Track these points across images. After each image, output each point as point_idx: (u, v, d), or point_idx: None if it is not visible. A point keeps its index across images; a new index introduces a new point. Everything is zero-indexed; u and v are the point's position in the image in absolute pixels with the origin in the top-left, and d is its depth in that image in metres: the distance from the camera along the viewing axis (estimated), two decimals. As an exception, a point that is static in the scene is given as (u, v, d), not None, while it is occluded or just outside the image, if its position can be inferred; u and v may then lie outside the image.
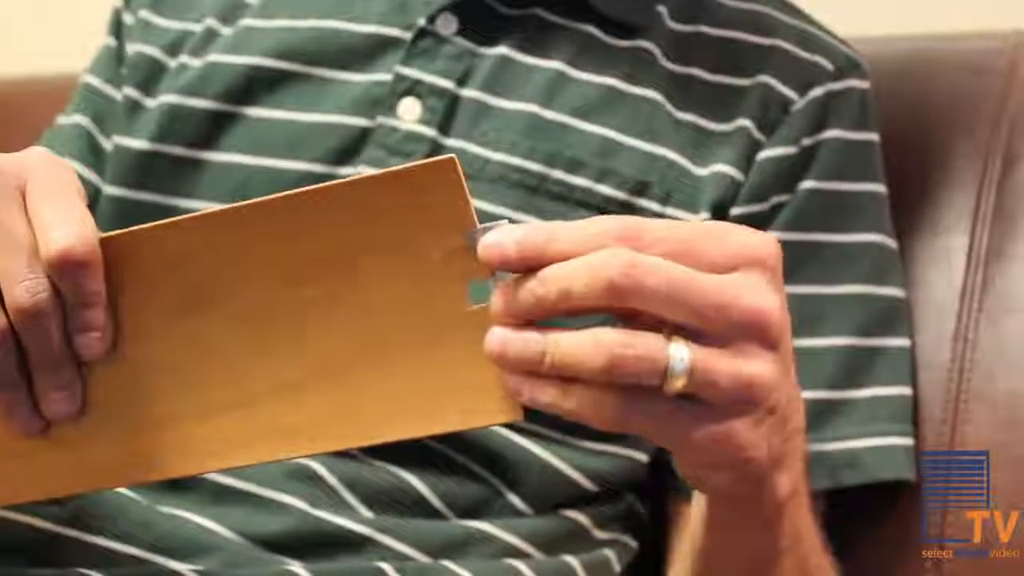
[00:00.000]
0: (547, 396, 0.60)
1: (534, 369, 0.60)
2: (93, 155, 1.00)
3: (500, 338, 0.60)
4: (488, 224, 0.61)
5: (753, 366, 0.60)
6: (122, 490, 0.87)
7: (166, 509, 0.85)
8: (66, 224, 0.64)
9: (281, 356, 0.65)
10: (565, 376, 0.60)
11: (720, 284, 0.59)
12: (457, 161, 0.61)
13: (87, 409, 0.68)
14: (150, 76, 0.99)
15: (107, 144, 1.00)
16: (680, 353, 0.59)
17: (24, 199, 0.66)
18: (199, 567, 0.82)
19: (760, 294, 0.60)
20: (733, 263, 0.60)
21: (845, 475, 0.92)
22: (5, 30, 1.63)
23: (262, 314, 0.65)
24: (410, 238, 0.62)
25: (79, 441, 0.69)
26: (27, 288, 0.64)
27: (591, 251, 0.59)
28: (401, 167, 0.62)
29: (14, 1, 1.65)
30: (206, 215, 0.65)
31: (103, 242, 0.65)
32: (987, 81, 1.06)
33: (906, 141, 1.05)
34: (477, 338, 0.61)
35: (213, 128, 0.95)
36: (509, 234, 0.60)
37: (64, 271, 0.64)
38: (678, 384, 0.59)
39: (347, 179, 0.63)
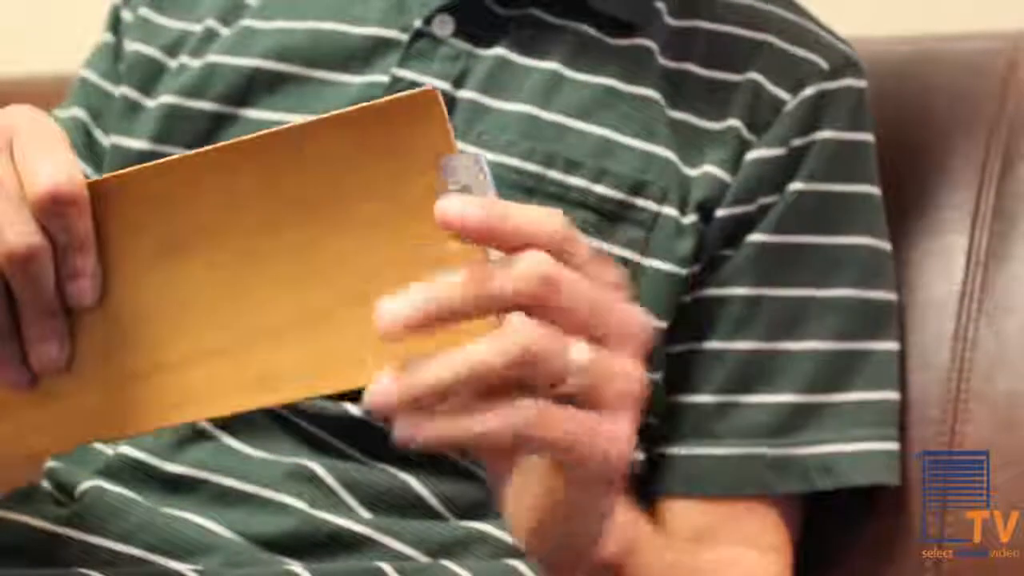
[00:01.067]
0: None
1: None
2: (88, 148, 1.00)
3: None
4: (462, 155, 0.60)
5: (639, 369, 0.62)
6: (123, 491, 0.87)
7: (166, 510, 0.85)
8: (52, 165, 0.64)
9: (260, 302, 0.64)
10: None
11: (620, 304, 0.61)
12: (438, 93, 0.60)
13: (71, 362, 0.67)
14: (149, 76, 0.99)
15: (103, 138, 1.00)
16: (581, 352, 0.59)
17: (11, 151, 0.65)
18: (199, 567, 0.82)
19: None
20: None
21: (818, 479, 0.92)
22: (5, 30, 1.63)
23: (241, 259, 0.64)
24: (391, 176, 0.61)
25: (63, 395, 0.68)
26: (17, 232, 0.63)
27: (535, 244, 0.59)
28: (380, 100, 0.61)
29: (14, 1, 1.65)
30: (186, 156, 0.65)
31: (88, 187, 0.65)
32: (987, 81, 1.05)
33: (906, 141, 1.05)
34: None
35: (212, 129, 0.95)
36: (472, 206, 0.59)
37: (53, 210, 0.64)
38: (576, 381, 0.59)
39: (326, 115, 0.62)
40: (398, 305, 0.58)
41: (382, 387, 0.59)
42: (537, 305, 0.58)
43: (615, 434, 0.62)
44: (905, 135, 1.05)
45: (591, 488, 0.64)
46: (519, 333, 0.58)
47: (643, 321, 0.62)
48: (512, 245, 0.59)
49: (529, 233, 0.59)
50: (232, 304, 0.65)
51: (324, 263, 0.63)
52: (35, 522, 0.86)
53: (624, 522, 0.71)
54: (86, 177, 0.98)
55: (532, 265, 0.58)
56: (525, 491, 0.65)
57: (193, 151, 0.65)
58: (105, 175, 0.66)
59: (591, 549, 0.67)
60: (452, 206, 0.58)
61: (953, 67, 1.08)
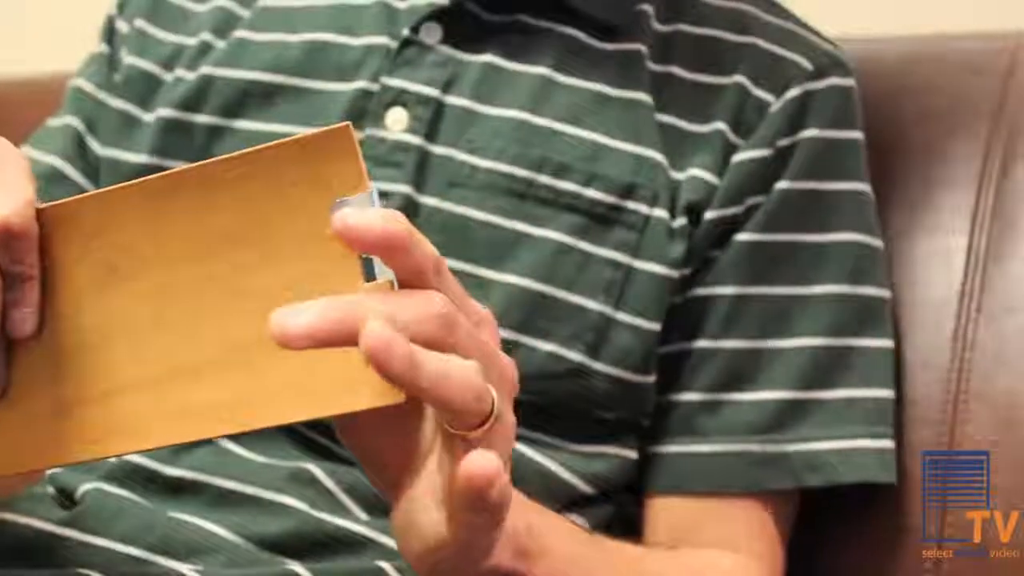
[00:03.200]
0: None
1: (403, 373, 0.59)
2: (82, 157, 1.00)
3: (382, 336, 0.58)
4: (361, 195, 0.60)
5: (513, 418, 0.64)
6: (123, 492, 0.87)
7: (167, 512, 0.85)
8: (4, 198, 0.64)
9: (182, 336, 0.65)
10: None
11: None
12: (351, 128, 0.61)
13: (4, 391, 0.68)
14: (146, 90, 0.99)
15: (98, 148, 1.00)
16: (494, 394, 0.61)
17: None
18: (199, 567, 0.82)
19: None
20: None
21: (806, 477, 0.92)
22: (5, 30, 1.63)
23: (165, 291, 0.65)
24: (312, 211, 0.62)
25: None
26: None
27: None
28: (299, 135, 0.62)
29: (14, 1, 1.65)
30: (121, 186, 0.65)
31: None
32: (987, 81, 1.05)
33: (905, 141, 1.05)
34: None
35: (209, 142, 0.95)
36: (376, 219, 0.59)
37: (1, 243, 0.64)
38: (491, 424, 0.61)
39: (248, 150, 0.63)
40: (300, 317, 0.58)
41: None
42: (434, 344, 0.59)
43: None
44: (905, 135, 1.05)
45: (475, 526, 0.64)
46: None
47: (515, 372, 0.64)
48: (405, 265, 0.59)
49: (423, 257, 0.60)
50: (155, 336, 0.65)
51: (248, 297, 0.63)
52: (36, 523, 0.86)
53: (524, 527, 0.70)
54: (76, 185, 0.99)
55: (434, 304, 0.60)
56: (411, 521, 0.65)
57: (123, 184, 0.66)
58: (47, 204, 0.67)
59: (481, 564, 0.66)
60: (352, 215, 0.59)
61: (953, 67, 1.08)
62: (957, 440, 0.96)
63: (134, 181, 0.65)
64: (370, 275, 0.61)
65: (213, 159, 0.63)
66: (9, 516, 0.88)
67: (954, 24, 1.15)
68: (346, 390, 0.62)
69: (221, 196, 0.63)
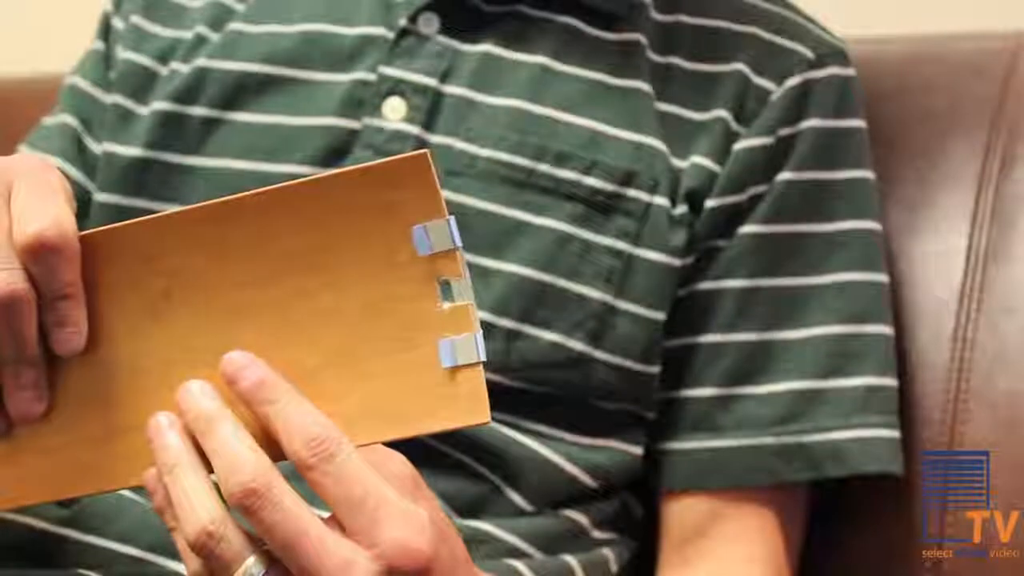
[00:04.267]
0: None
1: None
2: (80, 155, 1.00)
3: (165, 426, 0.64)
4: (438, 222, 0.60)
5: None
6: (123, 491, 0.87)
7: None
8: (41, 213, 0.64)
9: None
10: None
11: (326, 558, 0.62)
12: (430, 156, 0.60)
13: (50, 412, 0.67)
14: (141, 85, 0.99)
15: (94, 145, 1.00)
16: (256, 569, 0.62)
17: (9, 197, 0.66)
18: (199, 567, 0.82)
19: None
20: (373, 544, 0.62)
21: (827, 467, 0.92)
22: (5, 30, 1.63)
23: (228, 317, 0.64)
24: (383, 236, 0.61)
25: (35, 448, 0.67)
26: (2, 278, 0.64)
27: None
28: (374, 162, 0.61)
29: (14, 1, 1.65)
30: (177, 213, 0.65)
31: (81, 239, 0.65)
32: (986, 82, 1.05)
33: (905, 141, 1.05)
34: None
35: (205, 134, 0.95)
36: (251, 370, 0.63)
37: (37, 256, 0.64)
38: None
39: (318, 176, 0.62)
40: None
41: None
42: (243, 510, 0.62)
43: None
44: (905, 135, 1.05)
45: None
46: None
47: None
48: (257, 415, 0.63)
49: (286, 429, 0.62)
50: (218, 363, 0.64)
51: (313, 322, 0.63)
52: (35, 522, 0.86)
53: None
54: (77, 183, 0.98)
55: (237, 476, 0.62)
56: None
57: (181, 209, 0.65)
58: (98, 228, 0.66)
59: None
60: (236, 360, 0.63)
61: (953, 67, 1.08)
62: (957, 440, 0.96)
63: (191, 207, 0.64)
64: (447, 297, 0.61)
65: (278, 186, 0.62)
66: (9, 516, 0.88)
67: (954, 24, 1.15)
68: (425, 412, 0.62)
69: (286, 221, 0.63)
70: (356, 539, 0.62)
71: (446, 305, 0.61)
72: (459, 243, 0.61)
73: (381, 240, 0.61)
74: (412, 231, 0.61)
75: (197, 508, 0.63)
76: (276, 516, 0.61)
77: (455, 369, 0.61)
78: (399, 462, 0.65)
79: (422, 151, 0.61)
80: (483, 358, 0.61)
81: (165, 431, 0.64)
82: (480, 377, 0.61)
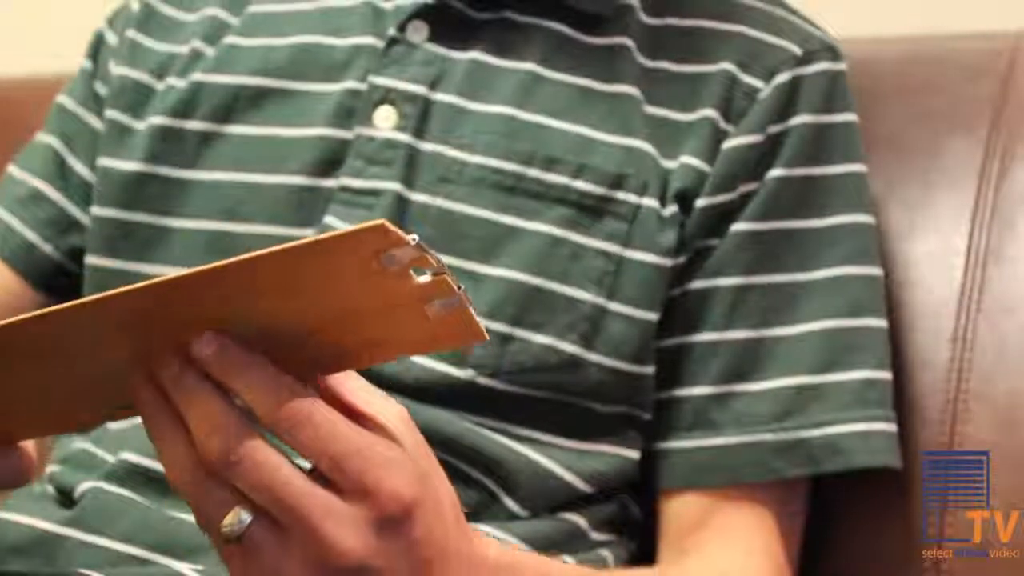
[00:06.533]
0: None
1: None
2: (61, 177, 1.02)
3: None
4: (399, 251, 0.59)
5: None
6: (123, 492, 0.87)
7: (167, 510, 0.85)
8: None
9: None
10: None
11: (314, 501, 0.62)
12: (386, 224, 0.58)
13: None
14: (137, 100, 0.99)
15: (78, 166, 1.02)
16: (241, 517, 0.63)
17: None
18: (199, 566, 0.82)
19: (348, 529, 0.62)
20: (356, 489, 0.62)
21: (826, 461, 0.92)
22: (5, 30, 1.63)
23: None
24: (350, 269, 0.60)
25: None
26: None
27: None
28: (332, 234, 0.58)
29: (14, 1, 1.65)
30: (183, 275, 0.60)
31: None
32: (986, 82, 1.05)
33: (905, 141, 1.05)
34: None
35: (202, 148, 0.96)
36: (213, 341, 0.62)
37: None
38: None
39: (279, 248, 0.59)
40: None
41: None
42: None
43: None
44: (905, 135, 1.05)
45: None
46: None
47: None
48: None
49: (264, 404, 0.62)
50: None
51: (292, 332, 0.63)
52: (36, 522, 0.86)
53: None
54: (55, 204, 1.01)
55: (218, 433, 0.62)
56: None
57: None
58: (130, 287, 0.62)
59: None
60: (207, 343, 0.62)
61: (953, 67, 1.08)
62: (957, 440, 0.96)
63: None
64: (421, 274, 0.61)
65: (236, 258, 0.59)
66: (9, 516, 0.88)
67: (954, 24, 1.15)
68: (423, 340, 0.65)
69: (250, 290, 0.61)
70: (339, 488, 0.62)
71: (421, 279, 0.60)
72: (434, 254, 0.60)
73: (351, 271, 0.60)
74: (381, 258, 0.60)
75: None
76: (261, 472, 0.62)
77: (443, 315, 0.61)
78: (385, 401, 0.65)
79: (380, 222, 0.58)
80: (469, 304, 0.62)
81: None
82: (468, 311, 0.62)
